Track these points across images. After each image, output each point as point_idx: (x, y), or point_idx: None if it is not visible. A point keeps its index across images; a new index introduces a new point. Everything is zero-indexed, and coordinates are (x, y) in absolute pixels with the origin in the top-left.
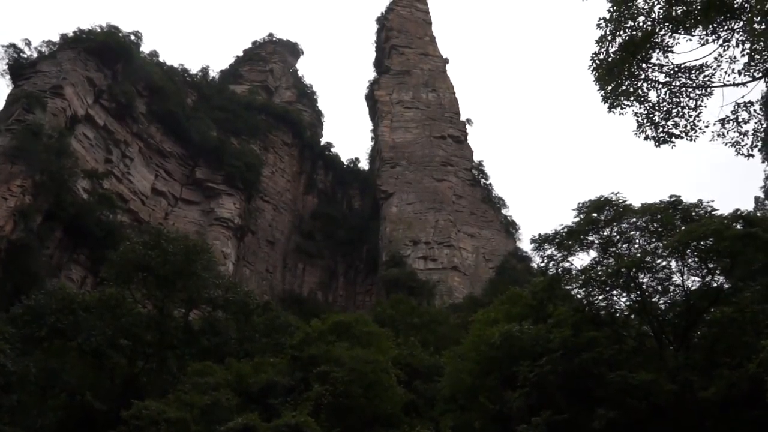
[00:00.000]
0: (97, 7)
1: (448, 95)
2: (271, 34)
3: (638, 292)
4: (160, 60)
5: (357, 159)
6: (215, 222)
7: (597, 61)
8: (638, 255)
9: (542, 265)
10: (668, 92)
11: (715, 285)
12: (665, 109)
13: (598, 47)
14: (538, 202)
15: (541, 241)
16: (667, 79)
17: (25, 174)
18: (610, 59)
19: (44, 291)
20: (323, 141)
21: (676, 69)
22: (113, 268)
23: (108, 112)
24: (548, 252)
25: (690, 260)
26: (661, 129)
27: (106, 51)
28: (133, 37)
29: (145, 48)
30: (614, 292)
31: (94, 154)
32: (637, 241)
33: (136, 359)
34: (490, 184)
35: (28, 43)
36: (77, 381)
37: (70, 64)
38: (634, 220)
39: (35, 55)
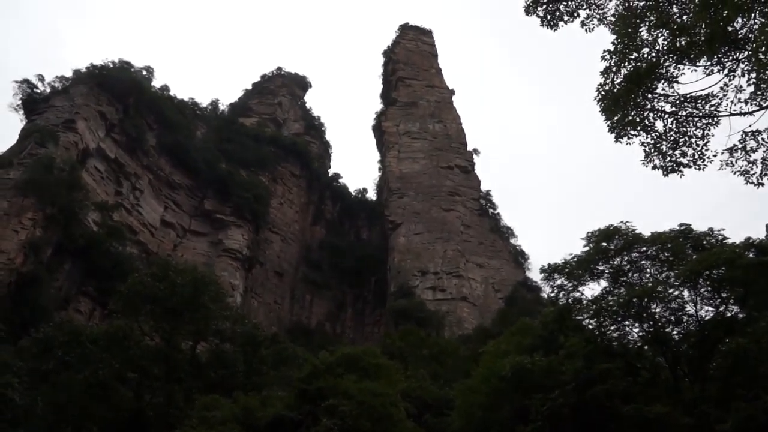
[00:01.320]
0: (110, 43)
1: (455, 126)
2: (279, 68)
3: (651, 323)
4: (171, 94)
5: (365, 190)
6: (223, 253)
7: (603, 92)
8: (650, 284)
9: (552, 295)
10: (675, 122)
11: (729, 315)
12: (672, 138)
13: (604, 79)
14: (546, 231)
15: (550, 271)
16: (673, 108)
17: (36, 207)
18: (615, 90)
19: (52, 324)
20: (331, 172)
21: (682, 99)
22: (121, 300)
23: (119, 145)
24: (558, 282)
25: (702, 290)
26: (668, 158)
27: (118, 86)
28: (144, 72)
29: (156, 83)
30: (626, 323)
31: (104, 186)
32: (648, 270)
33: (143, 392)
34: (498, 213)
35: (41, 79)
36: (83, 414)
37: (83, 99)
38: (645, 249)
39: (48, 90)
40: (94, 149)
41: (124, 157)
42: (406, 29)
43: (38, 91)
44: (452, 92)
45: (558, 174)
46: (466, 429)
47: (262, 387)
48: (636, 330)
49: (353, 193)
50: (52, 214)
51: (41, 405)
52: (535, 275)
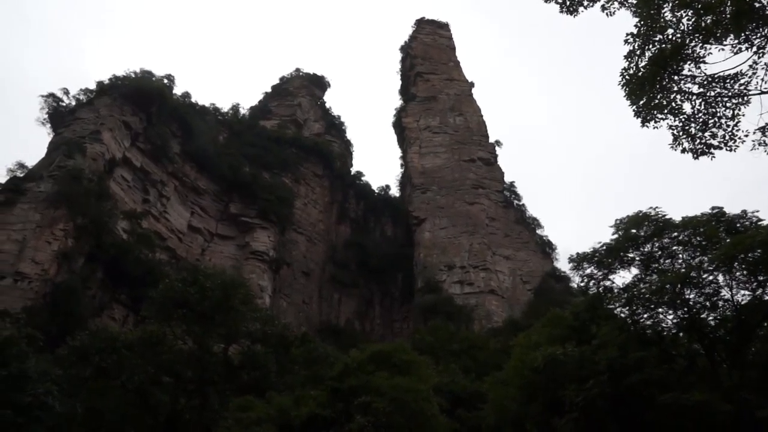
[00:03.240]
0: (129, 53)
1: (476, 118)
2: (298, 69)
3: (685, 309)
4: (192, 101)
5: (387, 186)
6: (251, 256)
7: (627, 77)
8: (683, 270)
9: (582, 284)
10: (703, 103)
11: (766, 298)
12: (701, 120)
13: (628, 62)
14: (573, 220)
15: (579, 260)
16: (701, 89)
17: (67, 218)
18: (640, 74)
19: (88, 331)
20: (353, 170)
21: (710, 79)
22: (153, 305)
23: (144, 153)
24: (588, 271)
25: (738, 273)
26: (698, 141)
27: (140, 95)
28: (165, 81)
29: (178, 90)
30: (660, 310)
31: (132, 195)
32: (681, 255)
33: (179, 396)
34: (523, 204)
35: (66, 92)
36: (121, 420)
37: (107, 110)
38: (676, 234)
39: (73, 103)
40: (120, 159)
41: (150, 165)
42: (422, 23)
43: (64, 104)
44: (471, 84)
45: (583, 162)
46: (500, 423)
47: (294, 387)
48: (670, 317)
49: (376, 191)
50: (83, 224)
51: (80, 411)
52: (563, 265)
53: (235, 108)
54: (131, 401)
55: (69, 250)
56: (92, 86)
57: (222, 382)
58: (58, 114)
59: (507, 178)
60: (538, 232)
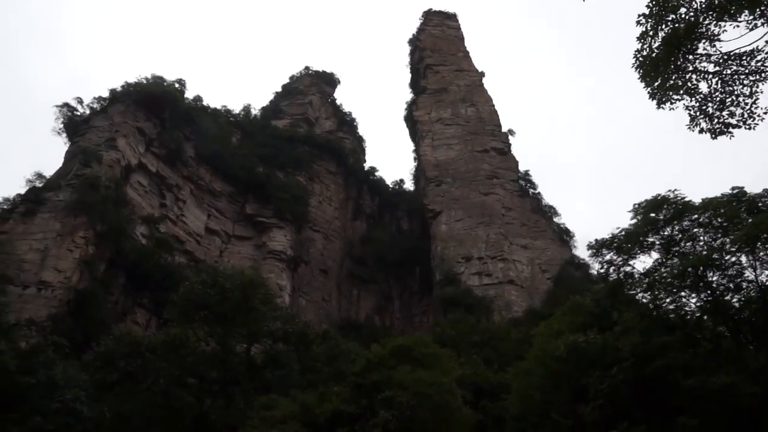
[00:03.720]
0: (140, 58)
1: (487, 108)
2: (307, 67)
3: (709, 292)
4: (204, 104)
5: (402, 181)
6: (268, 255)
7: (641, 58)
8: (704, 252)
9: (602, 271)
10: (720, 82)
11: None
12: (718, 99)
13: (641, 44)
14: (590, 206)
15: (598, 247)
16: (717, 68)
17: (87, 225)
18: (654, 55)
19: (112, 337)
20: (367, 166)
21: (726, 57)
22: (175, 308)
23: (159, 158)
24: (607, 257)
25: (762, 253)
26: (716, 120)
27: (153, 101)
28: (177, 85)
29: (189, 94)
30: (682, 294)
31: (149, 200)
32: (702, 238)
33: (204, 397)
34: (538, 193)
35: (80, 101)
36: (148, 423)
37: (121, 117)
38: (696, 216)
39: (88, 111)
40: (135, 165)
41: (165, 170)
42: (430, 15)
43: (78, 113)
44: (482, 74)
45: (598, 147)
46: (525, 412)
47: (317, 384)
48: (693, 300)
49: (391, 186)
50: (103, 231)
51: (108, 416)
52: (581, 252)
53: (247, 109)
54: (157, 404)
55: (90, 257)
56: (104, 93)
57: (246, 382)
58: (73, 123)
59: (522, 167)
60: (555, 220)
